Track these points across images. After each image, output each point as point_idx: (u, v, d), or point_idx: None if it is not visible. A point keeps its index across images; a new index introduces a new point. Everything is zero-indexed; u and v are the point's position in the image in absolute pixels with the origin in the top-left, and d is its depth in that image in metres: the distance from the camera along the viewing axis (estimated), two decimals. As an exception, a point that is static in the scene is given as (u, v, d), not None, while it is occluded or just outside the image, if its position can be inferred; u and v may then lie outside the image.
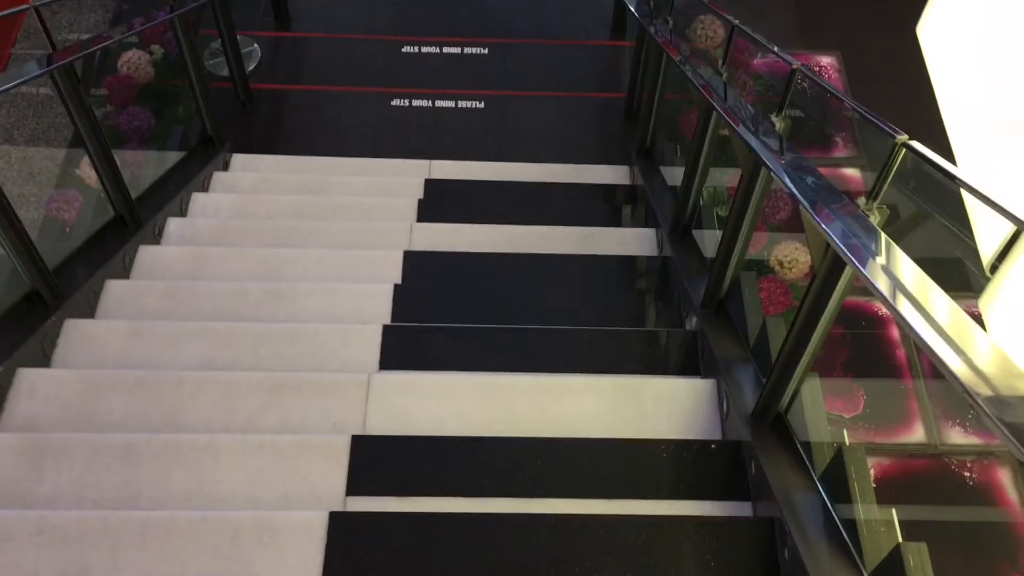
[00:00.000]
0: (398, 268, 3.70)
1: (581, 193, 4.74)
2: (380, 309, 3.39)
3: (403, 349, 3.13)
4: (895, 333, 4.14)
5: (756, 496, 2.39)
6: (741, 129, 2.72)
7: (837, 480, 2.16)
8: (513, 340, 3.17)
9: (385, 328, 3.15)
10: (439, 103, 5.59)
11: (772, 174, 2.39)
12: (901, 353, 4.58)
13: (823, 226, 1.95)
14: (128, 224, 3.76)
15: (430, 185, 4.64)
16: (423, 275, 3.69)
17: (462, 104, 5.59)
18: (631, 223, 4.40)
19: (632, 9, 4.91)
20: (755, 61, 5.06)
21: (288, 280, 3.62)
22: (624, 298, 3.64)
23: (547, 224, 4.20)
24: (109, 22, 6.22)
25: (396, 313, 3.38)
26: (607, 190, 4.77)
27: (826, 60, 6.29)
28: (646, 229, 4.14)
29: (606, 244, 4.04)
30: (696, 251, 3.68)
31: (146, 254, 3.74)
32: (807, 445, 2.38)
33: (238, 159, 4.96)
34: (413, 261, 3.73)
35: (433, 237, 4.01)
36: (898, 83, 5.99)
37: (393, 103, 5.59)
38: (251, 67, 5.76)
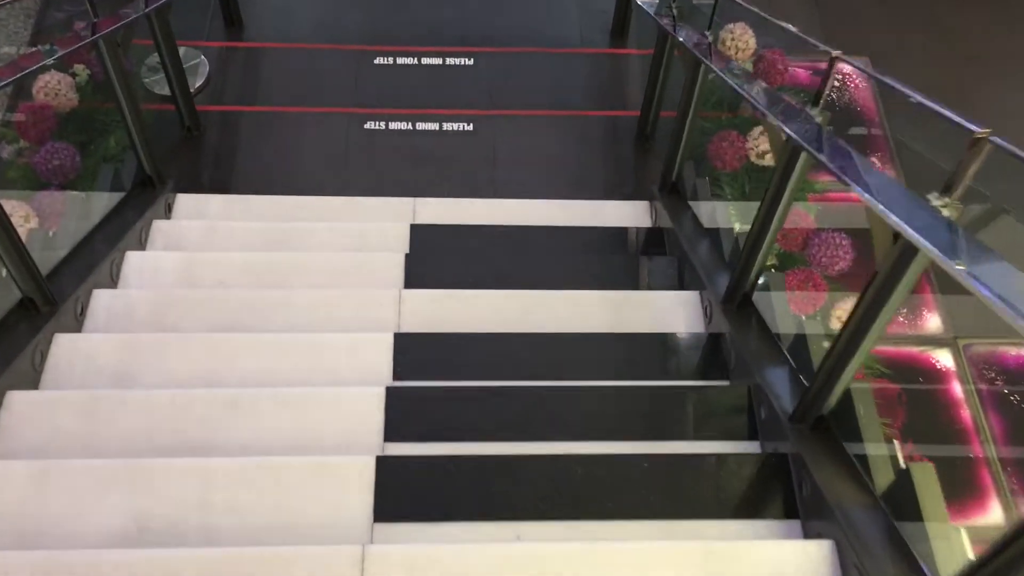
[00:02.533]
0: (387, 360, 2.92)
1: (595, 240, 3.96)
2: (368, 427, 2.61)
3: (405, 491, 2.35)
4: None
5: None
6: (879, 205, 1.96)
7: None
8: (549, 475, 2.40)
9: (380, 462, 2.37)
10: (420, 126, 4.79)
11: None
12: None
13: None
14: (40, 307, 2.93)
15: (417, 233, 3.84)
16: (420, 370, 2.91)
17: (447, 127, 4.79)
18: (662, 279, 3.63)
19: (652, 14, 4.14)
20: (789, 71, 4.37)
21: (245, 382, 2.82)
22: (674, 398, 2.85)
23: (563, 286, 3.44)
24: (31, 30, 5.35)
25: (390, 431, 2.60)
26: (625, 235, 4.00)
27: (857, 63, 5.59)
28: (686, 293, 3.38)
29: (639, 316, 3.28)
30: (763, 330, 2.94)
31: (63, 346, 2.91)
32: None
33: (183, 201, 4.12)
34: (406, 350, 2.94)
35: (427, 311, 3.22)
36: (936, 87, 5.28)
37: (367, 126, 4.77)
38: (198, 83, 4.91)
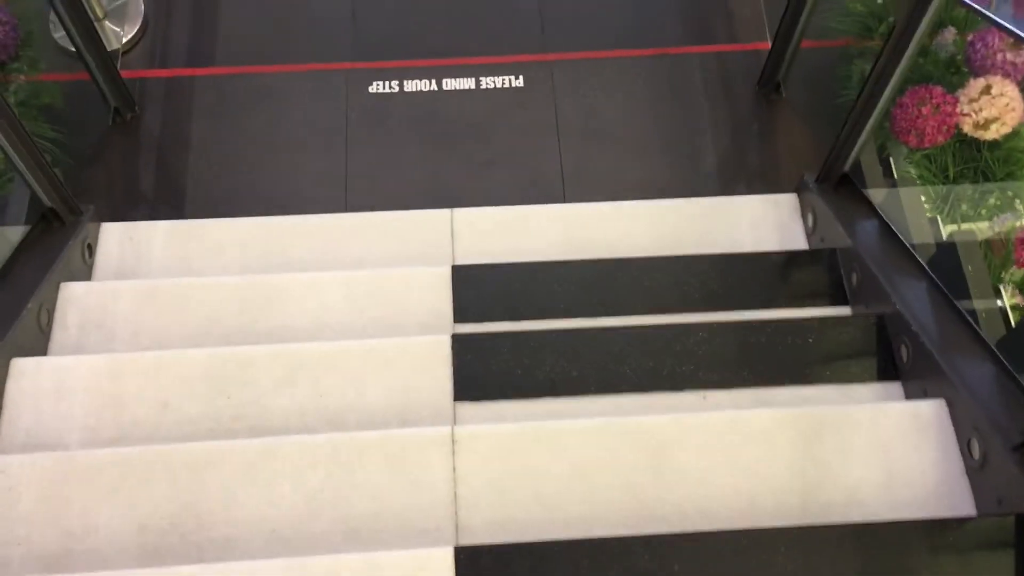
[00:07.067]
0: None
1: (734, 279, 2.57)
2: None
3: None
4: None
5: None
6: None
7: None
8: None
9: None
10: (449, 83, 3.35)
11: None
12: None
13: None
14: None
15: (462, 283, 2.50)
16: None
17: (487, 82, 3.35)
18: (857, 365, 2.28)
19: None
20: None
21: None
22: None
23: (707, 384, 2.17)
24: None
25: None
26: (777, 269, 2.63)
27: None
28: (923, 406, 2.05)
29: (850, 458, 1.97)
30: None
31: None
32: None
33: (111, 237, 2.75)
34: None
35: (503, 469, 1.93)
36: None
37: (372, 88, 3.33)
38: (130, 35, 3.48)
